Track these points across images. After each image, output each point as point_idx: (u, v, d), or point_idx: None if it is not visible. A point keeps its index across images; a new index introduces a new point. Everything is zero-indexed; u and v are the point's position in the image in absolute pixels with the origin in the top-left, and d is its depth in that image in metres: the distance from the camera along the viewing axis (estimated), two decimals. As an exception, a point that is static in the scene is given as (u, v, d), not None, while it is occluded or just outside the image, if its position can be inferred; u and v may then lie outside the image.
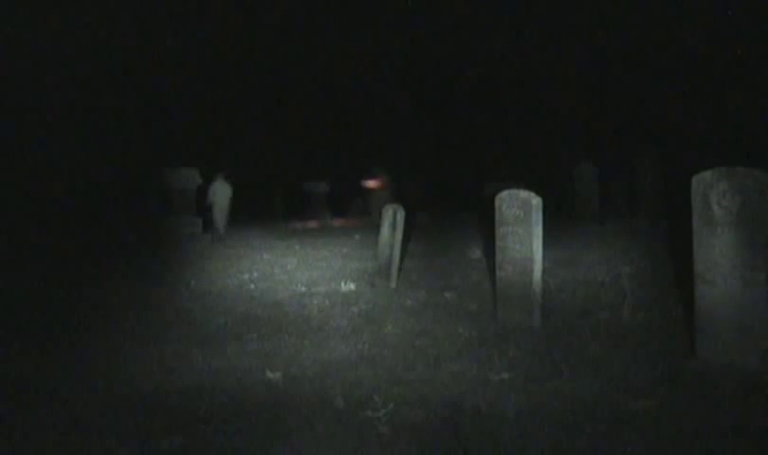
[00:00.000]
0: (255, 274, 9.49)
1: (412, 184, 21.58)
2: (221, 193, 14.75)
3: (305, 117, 28.83)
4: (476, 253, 10.24)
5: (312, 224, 18.41)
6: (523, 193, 6.15)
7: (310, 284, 8.54)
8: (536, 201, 5.99)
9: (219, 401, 4.29)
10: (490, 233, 6.85)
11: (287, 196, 23.04)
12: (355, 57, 28.01)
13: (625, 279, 7.32)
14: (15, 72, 20.59)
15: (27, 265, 10.87)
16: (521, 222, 6.03)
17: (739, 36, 20.60)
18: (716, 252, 4.61)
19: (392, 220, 8.44)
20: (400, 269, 8.58)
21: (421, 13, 27.27)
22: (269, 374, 4.78)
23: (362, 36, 27.24)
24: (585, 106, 24.52)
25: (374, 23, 27.32)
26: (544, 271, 6.22)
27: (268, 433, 3.75)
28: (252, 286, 8.61)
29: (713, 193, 4.62)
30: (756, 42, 19.95)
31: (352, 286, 8.18)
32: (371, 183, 20.14)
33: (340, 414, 4.00)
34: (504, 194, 6.32)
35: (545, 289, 6.52)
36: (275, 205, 22.90)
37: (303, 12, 27.42)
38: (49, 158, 20.90)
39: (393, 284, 8.13)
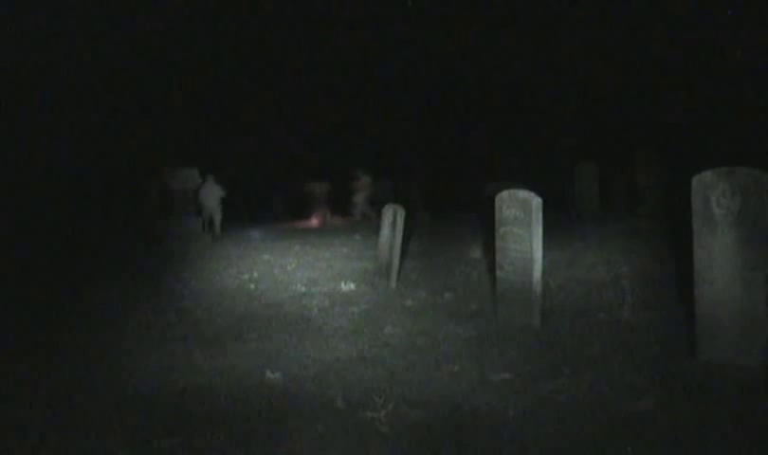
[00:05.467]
0: (255, 274, 9.49)
1: (413, 184, 21.56)
2: (210, 195, 15.62)
3: (306, 117, 28.84)
4: (476, 253, 10.23)
5: (312, 224, 18.41)
6: (523, 193, 6.14)
7: (310, 284, 8.53)
8: (536, 201, 5.99)
9: (219, 401, 4.29)
10: (490, 233, 6.85)
11: (287, 196, 23.02)
12: (355, 57, 28.04)
13: (625, 279, 7.32)
14: (16, 71, 20.59)
15: (27, 265, 10.87)
16: (521, 222, 6.03)
17: (738, 36, 20.61)
18: (716, 252, 4.61)
19: (392, 220, 8.43)
20: (400, 269, 8.57)
21: (421, 13, 27.29)
22: (269, 374, 4.79)
23: (363, 36, 27.26)
24: (585, 106, 24.52)
25: (374, 22, 27.34)
26: (544, 271, 6.21)
27: (269, 433, 3.75)
28: (252, 286, 8.61)
29: (713, 193, 4.62)
30: (756, 42, 19.95)
31: (352, 286, 8.17)
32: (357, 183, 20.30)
33: (340, 414, 4.01)
34: (504, 194, 6.32)
35: (545, 289, 6.52)
36: (274, 205, 22.89)
37: (304, 12, 27.44)
38: (50, 158, 20.90)
39: (393, 284, 8.13)
